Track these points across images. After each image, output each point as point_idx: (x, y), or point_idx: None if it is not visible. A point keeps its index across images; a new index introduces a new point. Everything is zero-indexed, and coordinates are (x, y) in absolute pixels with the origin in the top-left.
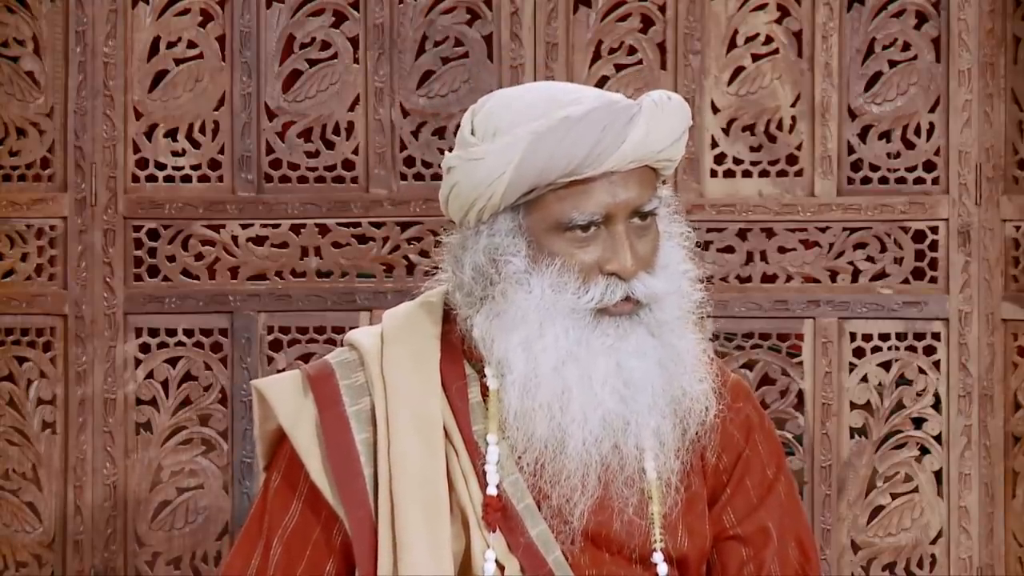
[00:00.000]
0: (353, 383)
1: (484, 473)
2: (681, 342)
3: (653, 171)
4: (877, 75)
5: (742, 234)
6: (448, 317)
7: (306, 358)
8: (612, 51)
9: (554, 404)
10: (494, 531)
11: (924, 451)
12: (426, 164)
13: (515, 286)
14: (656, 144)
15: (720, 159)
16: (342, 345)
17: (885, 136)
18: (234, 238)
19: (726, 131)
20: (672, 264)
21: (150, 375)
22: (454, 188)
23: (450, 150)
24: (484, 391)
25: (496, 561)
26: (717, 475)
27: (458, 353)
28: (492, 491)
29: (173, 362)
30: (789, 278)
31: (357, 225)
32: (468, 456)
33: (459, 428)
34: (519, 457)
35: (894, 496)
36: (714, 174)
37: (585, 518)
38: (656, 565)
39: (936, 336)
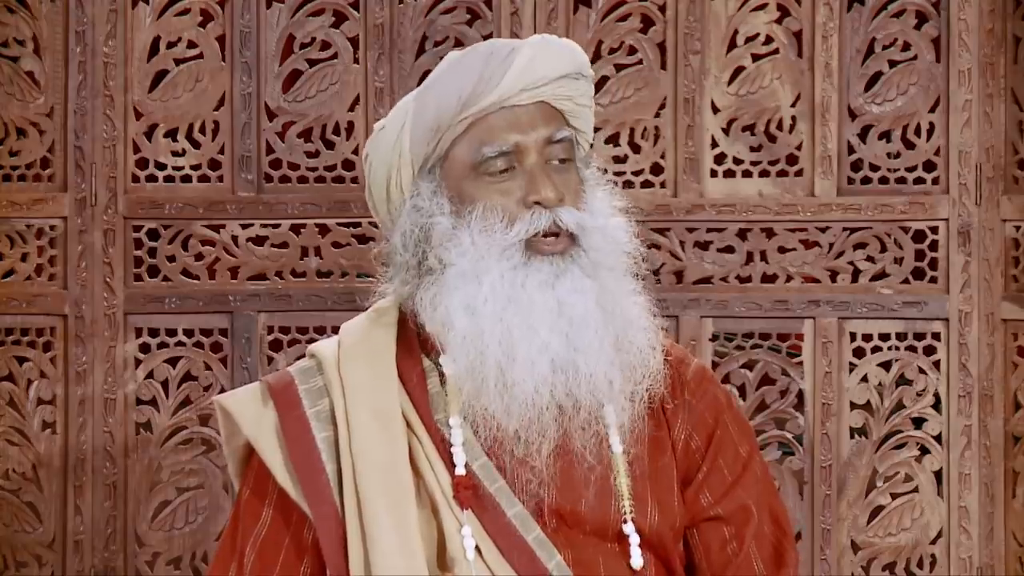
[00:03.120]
0: (312, 387)
1: (451, 456)
2: (618, 286)
3: (559, 113)
4: (877, 75)
5: (742, 234)
6: (403, 317)
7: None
8: (612, 51)
9: (499, 352)
10: (466, 509)
11: (924, 451)
12: None
13: (446, 245)
14: (543, 72)
15: (720, 159)
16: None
17: (885, 136)
18: (234, 238)
19: (726, 131)
20: (600, 208)
21: (150, 375)
22: (370, 169)
23: None
24: (443, 380)
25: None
26: (689, 456)
27: (414, 348)
28: (460, 471)
29: (173, 362)
30: (789, 278)
31: (357, 225)
32: (432, 442)
33: (420, 417)
34: (476, 427)
35: (894, 496)
36: (714, 174)
37: (551, 493)
38: (628, 537)
39: (936, 336)
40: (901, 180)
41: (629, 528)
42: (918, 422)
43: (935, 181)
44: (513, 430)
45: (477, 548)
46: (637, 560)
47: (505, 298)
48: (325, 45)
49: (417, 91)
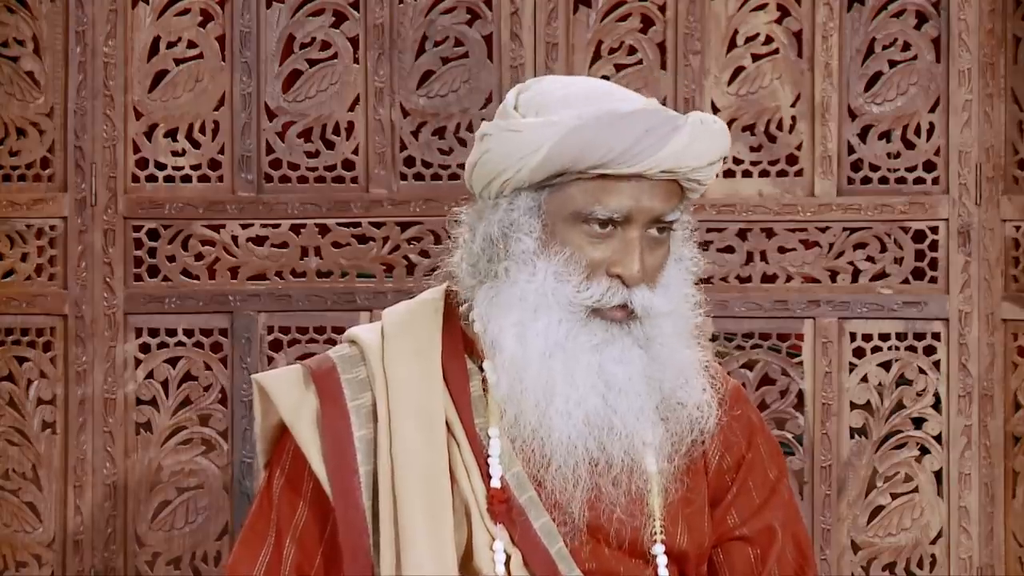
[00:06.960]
0: (354, 377)
1: (487, 466)
2: (673, 356)
3: (680, 189)
4: (877, 75)
5: (742, 234)
6: (448, 313)
7: (306, 358)
8: (612, 51)
9: (539, 392)
10: (499, 523)
11: (924, 451)
12: (426, 164)
13: (520, 266)
14: (693, 159)
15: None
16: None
17: (885, 136)
18: (234, 238)
19: None
20: (674, 286)
21: (150, 375)
22: (484, 155)
23: (450, 151)
24: (485, 385)
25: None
26: (720, 476)
27: (459, 348)
28: (496, 484)
29: (173, 362)
30: (789, 278)
31: (357, 225)
32: (470, 449)
33: (461, 421)
34: (513, 440)
35: (894, 496)
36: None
37: (584, 511)
38: (655, 557)
39: (936, 336)
40: (901, 180)
41: (658, 548)
42: (918, 422)
43: (935, 181)
44: (548, 461)
45: (506, 562)
46: None
47: (554, 343)
48: (325, 45)
49: (570, 123)
